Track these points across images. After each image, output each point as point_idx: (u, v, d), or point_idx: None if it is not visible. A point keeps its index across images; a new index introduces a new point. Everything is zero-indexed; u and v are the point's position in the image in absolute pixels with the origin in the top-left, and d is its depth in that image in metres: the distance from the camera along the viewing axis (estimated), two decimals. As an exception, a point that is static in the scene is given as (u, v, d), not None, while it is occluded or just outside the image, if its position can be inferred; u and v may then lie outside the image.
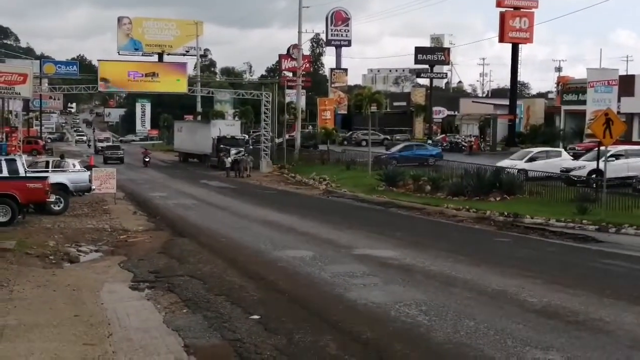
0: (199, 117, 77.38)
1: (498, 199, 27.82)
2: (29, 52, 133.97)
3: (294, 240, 19.63)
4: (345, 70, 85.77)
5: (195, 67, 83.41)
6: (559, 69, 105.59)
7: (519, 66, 63.52)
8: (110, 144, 77.17)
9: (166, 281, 13.82)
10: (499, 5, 60.07)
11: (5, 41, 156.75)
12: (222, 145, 52.06)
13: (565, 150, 39.99)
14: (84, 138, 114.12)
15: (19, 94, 36.47)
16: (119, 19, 78.24)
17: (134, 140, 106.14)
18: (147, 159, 58.58)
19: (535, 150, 36.53)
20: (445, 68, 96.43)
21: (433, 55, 77.27)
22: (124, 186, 36.22)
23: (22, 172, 24.99)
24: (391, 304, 11.69)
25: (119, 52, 76.44)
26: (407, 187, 32.71)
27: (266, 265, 15.63)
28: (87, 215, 25.81)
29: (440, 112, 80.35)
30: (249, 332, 10.22)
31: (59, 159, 33.15)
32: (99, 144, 80.00)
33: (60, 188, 25.78)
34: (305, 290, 13.15)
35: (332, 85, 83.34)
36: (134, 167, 55.71)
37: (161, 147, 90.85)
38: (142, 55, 75.25)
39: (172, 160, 68.52)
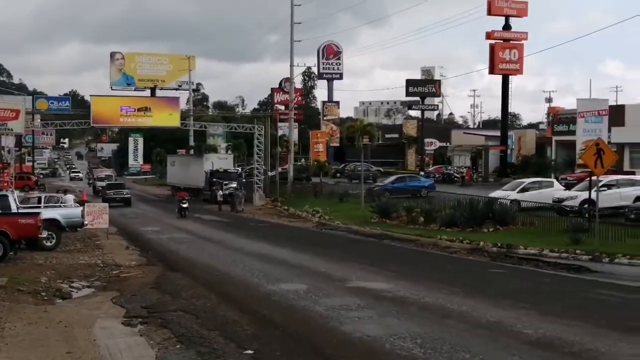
0: (192, 151, 77.47)
1: (491, 229, 27.84)
2: (21, 88, 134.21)
3: (288, 273, 19.55)
4: (337, 103, 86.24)
5: (187, 102, 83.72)
6: (549, 100, 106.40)
7: (509, 97, 64.09)
8: (113, 181, 66.68)
9: (159, 316, 13.71)
10: (488, 37, 60.70)
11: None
12: (214, 179, 52.08)
13: (557, 180, 40.14)
14: (79, 175, 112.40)
15: (12, 129, 36.56)
16: (112, 54, 78.66)
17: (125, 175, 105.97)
18: (184, 205, 41.12)
19: (528, 180, 36.66)
20: (436, 100, 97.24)
21: (424, 87, 77.88)
22: (116, 221, 36.09)
23: (14, 208, 24.91)
24: (386, 336, 11.62)
25: (111, 87, 76.70)
26: (400, 219, 32.71)
27: (260, 299, 15.54)
28: (79, 250, 25.68)
29: (432, 144, 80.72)
30: (243, 367, 10.13)
31: (62, 194, 33.22)
32: (99, 183, 70.37)
33: (52, 224, 25.69)
34: (300, 324, 13.07)
35: (325, 118, 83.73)
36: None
37: (154, 181, 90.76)
38: (135, 90, 75.52)
39: (165, 194, 68.37)
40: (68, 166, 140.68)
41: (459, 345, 11.01)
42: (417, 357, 10.44)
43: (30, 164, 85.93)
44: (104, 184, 65.17)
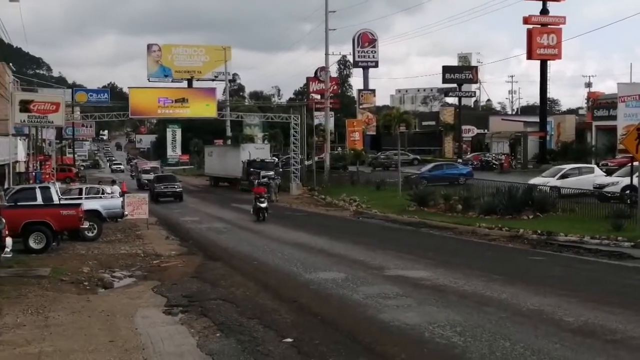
0: (229, 142, 77.93)
1: (531, 217, 27.55)
2: (61, 81, 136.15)
3: (326, 262, 19.59)
4: (373, 91, 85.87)
5: (224, 92, 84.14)
6: (588, 85, 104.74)
7: (547, 82, 63.15)
8: (161, 174, 59.99)
9: (199, 305, 13.85)
10: (526, 22, 59.84)
11: (38, 71, 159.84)
12: (252, 169, 52.31)
13: (598, 166, 39.54)
14: (121, 167, 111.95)
15: (52, 122, 37.01)
16: (149, 47, 79.31)
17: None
18: (262, 205, 32.13)
19: (567, 167, 36.19)
20: (473, 86, 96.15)
21: (461, 74, 77.22)
22: (156, 211, 36.55)
23: (56, 200, 25.36)
24: (425, 325, 11.59)
25: (149, 79, 77.38)
26: (438, 207, 32.55)
27: (298, 288, 15.61)
28: (120, 241, 26.05)
29: (469, 131, 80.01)
30: (283, 355, 10.19)
31: (109, 185, 33.80)
32: (144, 176, 63.96)
33: (93, 215, 26.10)
34: (338, 312, 13.10)
35: (360, 107, 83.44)
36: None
37: (192, 172, 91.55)
38: (172, 81, 76.09)
39: (203, 184, 68.99)
40: (108, 158, 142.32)
41: (499, 333, 10.94)
42: (456, 346, 10.40)
43: (71, 156, 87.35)
44: (150, 176, 60.10)
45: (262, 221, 31.37)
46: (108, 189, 31.67)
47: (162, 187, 48.30)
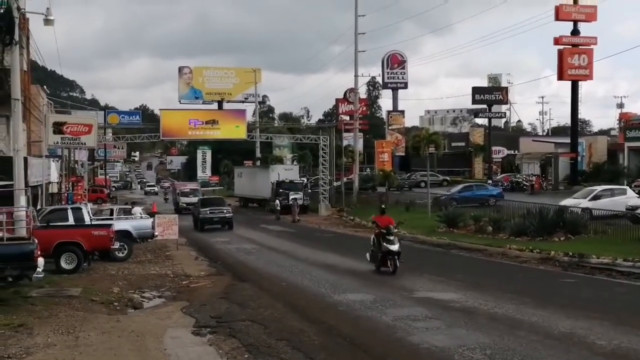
0: (258, 163, 78.30)
1: (562, 238, 27.23)
2: (93, 103, 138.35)
3: (354, 283, 19.52)
4: (402, 112, 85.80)
5: (254, 114, 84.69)
6: (620, 105, 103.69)
7: (579, 103, 62.57)
8: (207, 196, 55.49)
9: (228, 326, 13.87)
10: (557, 43, 59.46)
11: (71, 93, 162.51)
12: (281, 190, 52.45)
13: (630, 187, 39.01)
14: (155, 189, 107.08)
15: (85, 144, 37.45)
16: (180, 69, 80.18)
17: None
18: (393, 248, 20.68)
19: (599, 188, 35.73)
20: (503, 107, 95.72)
21: (491, 94, 76.87)
22: (185, 232, 36.74)
23: (87, 220, 25.63)
24: (455, 347, 11.48)
25: (180, 101, 78.16)
26: (467, 229, 32.31)
27: (326, 309, 15.57)
28: (150, 261, 26.22)
29: (499, 152, 79.50)
30: (311, 377, 10.15)
31: (129, 206, 34.11)
32: (183, 199, 58.92)
33: (124, 235, 26.34)
34: (367, 334, 13.03)
35: (390, 128, 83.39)
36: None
37: (222, 192, 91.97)
38: (203, 103, 76.76)
39: (233, 205, 69.17)
40: (140, 179, 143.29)
41: (530, 357, 10.80)
42: (486, 369, 10.28)
43: (103, 177, 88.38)
44: (190, 199, 55.80)
45: (393, 274, 20.29)
46: (129, 209, 32.00)
47: (209, 212, 41.18)
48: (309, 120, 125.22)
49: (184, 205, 56.39)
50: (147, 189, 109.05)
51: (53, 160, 42.15)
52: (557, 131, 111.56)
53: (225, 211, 41.85)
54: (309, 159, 78.16)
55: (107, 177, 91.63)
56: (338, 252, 27.69)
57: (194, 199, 53.90)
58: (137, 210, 33.03)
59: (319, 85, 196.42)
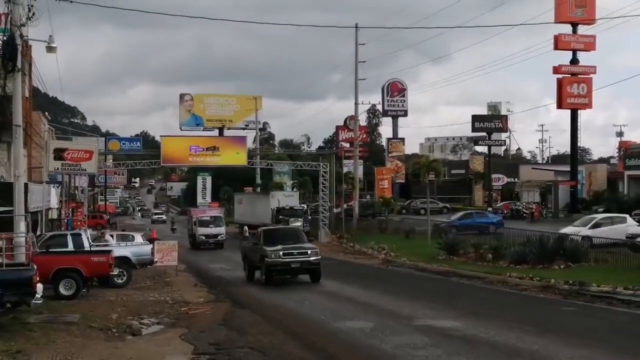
0: (259, 189, 78.31)
1: (562, 266, 27.17)
2: (94, 130, 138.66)
3: (354, 310, 19.45)
4: (402, 139, 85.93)
5: (254, 140, 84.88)
6: (620, 134, 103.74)
7: (578, 131, 62.76)
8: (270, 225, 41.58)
9: (226, 353, 13.80)
10: (556, 72, 59.80)
11: (72, 120, 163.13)
12: (281, 216, 52.40)
13: (630, 216, 39.00)
14: (162, 217, 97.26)
15: (85, 170, 37.59)
16: (181, 96, 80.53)
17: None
18: None
19: (599, 216, 35.72)
20: (503, 135, 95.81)
21: (490, 122, 77.16)
22: (185, 258, 36.68)
23: (87, 246, 25.60)
24: (454, 376, 11.41)
25: (181, 128, 78.36)
26: (467, 256, 32.26)
27: (326, 337, 15.50)
28: (149, 287, 26.15)
29: (499, 180, 79.54)
30: (310, 405, 10.08)
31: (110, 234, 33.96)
32: (201, 231, 48.42)
33: (123, 261, 26.29)
34: (366, 362, 12.95)
35: (390, 155, 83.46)
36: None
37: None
38: (203, 130, 76.96)
39: (233, 232, 69.13)
40: (140, 207, 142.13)
41: (530, 386, 10.73)
42: (486, 397, 10.21)
43: (103, 203, 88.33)
44: (211, 230, 48.03)
45: None
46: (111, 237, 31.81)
47: (282, 253, 25.73)
48: (309, 147, 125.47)
49: (203, 238, 48.03)
50: (154, 217, 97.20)
51: (53, 186, 42.20)
52: (557, 159, 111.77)
53: (309, 251, 26.52)
54: (309, 186, 78.16)
55: (107, 202, 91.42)
56: (338, 279, 27.59)
57: (216, 230, 48.82)
58: (138, 235, 32.89)
59: (320, 113, 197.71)
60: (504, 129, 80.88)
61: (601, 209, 46.82)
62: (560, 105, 60.64)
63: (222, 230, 50.39)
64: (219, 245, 48.41)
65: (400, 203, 67.62)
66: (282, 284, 26.78)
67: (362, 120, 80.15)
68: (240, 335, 15.90)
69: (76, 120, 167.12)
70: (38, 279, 16.70)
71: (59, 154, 35.05)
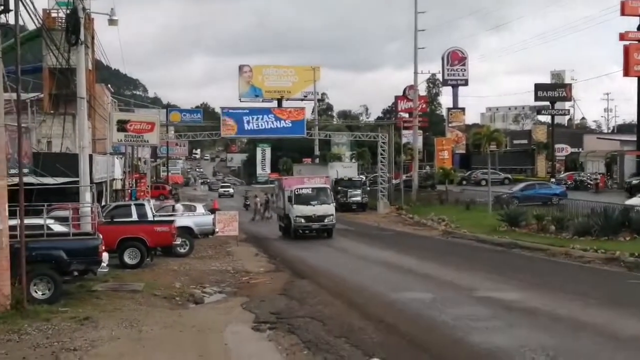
0: (317, 160, 78.49)
1: (628, 238, 26.48)
2: (156, 102, 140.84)
3: (413, 281, 19.41)
4: (463, 109, 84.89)
5: (313, 111, 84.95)
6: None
7: (645, 100, 60.76)
8: None
9: (287, 322, 13.94)
10: (622, 38, 57.99)
11: (135, 92, 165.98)
12: (339, 187, 52.46)
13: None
14: (230, 191, 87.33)
15: (147, 141, 38.22)
16: (240, 67, 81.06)
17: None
18: None
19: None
20: (567, 104, 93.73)
21: (554, 91, 75.60)
22: (245, 228, 37.07)
23: (150, 217, 26.13)
24: (516, 348, 11.29)
25: (240, 99, 78.98)
26: (529, 228, 31.74)
27: (385, 307, 15.50)
28: (211, 257, 26.56)
29: (563, 150, 78.01)
30: (370, 375, 10.11)
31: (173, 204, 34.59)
32: (298, 210, 33.04)
33: (186, 231, 26.76)
34: (426, 333, 12.93)
35: (450, 125, 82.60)
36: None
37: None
38: (262, 101, 77.42)
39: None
40: (203, 179, 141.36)
41: (595, 359, 10.54)
42: (549, 370, 10.08)
43: (166, 174, 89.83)
44: (315, 208, 33.03)
45: None
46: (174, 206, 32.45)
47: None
48: (367, 118, 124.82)
49: (302, 222, 33.02)
50: (221, 190, 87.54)
51: (117, 158, 43.11)
52: (623, 129, 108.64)
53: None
54: (367, 157, 77.93)
55: (171, 174, 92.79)
56: (397, 250, 27.57)
57: (322, 209, 33.24)
58: (180, 207, 33.25)
59: (378, 83, 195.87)
60: (568, 97, 79.09)
61: None
62: (627, 73, 58.89)
63: (330, 209, 33.73)
64: (324, 233, 33.58)
65: (461, 174, 67.00)
66: (340, 255, 26.90)
67: (422, 90, 79.44)
68: (301, 304, 16.03)
69: (138, 92, 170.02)
70: (104, 248, 17.12)
71: (122, 126, 35.69)
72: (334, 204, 34.96)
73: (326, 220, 33.07)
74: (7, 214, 14.16)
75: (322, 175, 45.90)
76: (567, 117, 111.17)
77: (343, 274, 21.51)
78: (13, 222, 14.70)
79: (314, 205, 33.17)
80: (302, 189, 34.75)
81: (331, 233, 33.35)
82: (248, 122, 49.77)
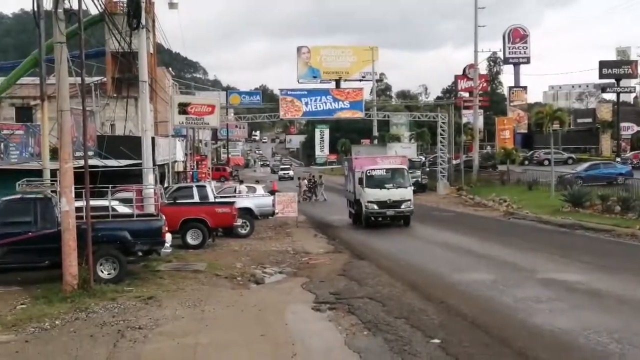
0: (376, 141, 78.18)
1: (697, 219, 25.73)
2: (216, 84, 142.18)
3: (474, 263, 19.24)
4: (525, 88, 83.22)
5: (371, 92, 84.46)
6: None
7: None
8: None
9: (346, 303, 14.00)
10: (693, 11, 55.98)
11: (195, 75, 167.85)
12: (398, 168, 52.04)
13: None
14: (289, 173, 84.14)
15: (208, 124, 38.57)
16: (298, 49, 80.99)
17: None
18: None
19: None
20: (633, 82, 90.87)
21: (619, 68, 73.42)
22: (304, 210, 37.29)
23: (211, 198, 26.50)
24: (579, 330, 11.12)
25: (298, 81, 79.01)
26: (594, 208, 31.09)
27: (446, 289, 15.43)
28: (271, 238, 26.84)
29: (629, 128, 75.86)
30: (430, 356, 10.11)
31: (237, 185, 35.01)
32: (372, 195, 29.35)
33: (246, 212, 27.07)
34: (487, 314, 12.82)
35: (511, 104, 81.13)
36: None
37: (340, 171, 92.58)
38: (320, 82, 77.29)
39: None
40: (263, 161, 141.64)
41: (662, 343, 10.30)
42: (613, 353, 9.90)
43: (227, 155, 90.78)
44: (391, 193, 29.43)
45: None
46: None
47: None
48: (426, 98, 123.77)
49: (375, 208, 29.61)
50: (281, 173, 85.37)
51: (178, 140, 43.74)
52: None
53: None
54: (427, 137, 77.27)
55: (231, 155, 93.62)
56: (457, 231, 27.34)
57: (399, 193, 29.62)
58: (244, 188, 33.51)
59: (437, 62, 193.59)
60: (634, 75, 76.66)
61: None
62: (697, 48, 56.80)
63: (407, 193, 29.96)
64: (400, 221, 29.92)
65: (523, 154, 65.80)
66: (399, 236, 26.81)
67: (482, 68, 78.26)
68: (360, 285, 16.08)
69: (198, 75, 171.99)
70: (166, 229, 17.46)
71: (183, 109, 36.09)
72: (412, 187, 30.95)
73: (403, 206, 29.36)
74: (73, 195, 14.55)
75: (398, 155, 39.83)
76: (633, 95, 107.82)
77: (403, 255, 21.46)
78: (79, 203, 15.11)
79: (388, 189, 29.63)
80: (375, 169, 30.80)
81: (408, 221, 29.61)
82: (307, 103, 49.83)
